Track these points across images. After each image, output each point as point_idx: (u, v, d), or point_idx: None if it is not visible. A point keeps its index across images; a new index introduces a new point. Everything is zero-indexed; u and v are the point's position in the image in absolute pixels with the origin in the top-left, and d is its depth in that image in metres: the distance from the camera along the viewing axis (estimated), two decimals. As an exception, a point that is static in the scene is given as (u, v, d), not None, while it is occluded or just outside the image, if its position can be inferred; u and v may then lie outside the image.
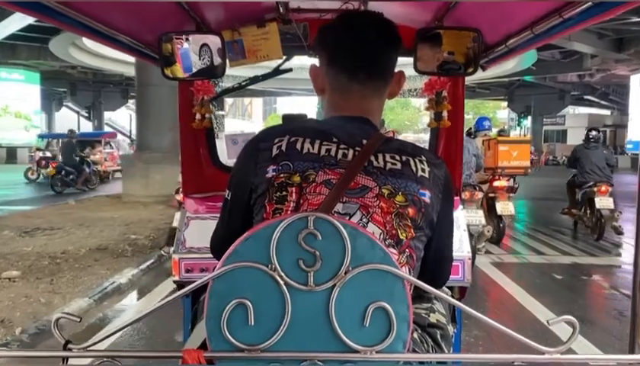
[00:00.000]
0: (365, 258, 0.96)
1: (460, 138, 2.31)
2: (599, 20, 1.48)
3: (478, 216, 6.61)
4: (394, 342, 0.95)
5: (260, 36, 2.03)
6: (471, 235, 5.98)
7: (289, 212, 1.11)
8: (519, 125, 37.49)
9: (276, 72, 2.28)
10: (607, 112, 44.42)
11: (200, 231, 2.10)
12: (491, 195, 7.75)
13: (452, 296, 2.04)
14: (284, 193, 1.16)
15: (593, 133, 8.98)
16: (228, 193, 1.31)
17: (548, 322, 0.99)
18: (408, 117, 52.69)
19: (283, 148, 1.20)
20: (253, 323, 0.95)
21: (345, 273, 0.95)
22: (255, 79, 2.43)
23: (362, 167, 1.17)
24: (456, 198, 2.20)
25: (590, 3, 1.36)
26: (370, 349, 0.93)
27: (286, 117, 2.30)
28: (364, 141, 1.21)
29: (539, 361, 0.92)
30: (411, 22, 2.04)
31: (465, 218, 4.31)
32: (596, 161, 8.57)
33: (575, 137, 40.10)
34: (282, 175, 1.17)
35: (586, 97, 38.01)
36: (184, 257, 2.10)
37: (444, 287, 1.96)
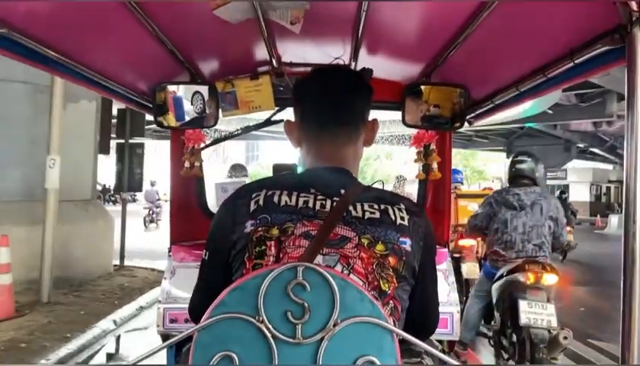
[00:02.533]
0: (354, 310, 0.95)
1: (448, 190, 2.33)
2: (581, 79, 1.53)
3: (546, 314, 3.67)
4: None
5: (253, 88, 2.07)
6: (532, 343, 3.63)
7: (268, 266, 1.09)
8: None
9: (268, 122, 2.31)
10: (609, 167, 42.27)
11: (186, 280, 2.07)
12: (455, 256, 5.72)
13: (443, 350, 2.00)
14: (263, 247, 1.13)
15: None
16: (205, 253, 1.28)
17: None
18: (393, 166, 52.68)
19: (261, 202, 1.18)
20: None
21: (334, 325, 0.93)
22: (248, 129, 2.46)
23: (340, 217, 1.15)
24: (444, 250, 2.20)
25: (571, 64, 1.40)
26: None
27: (277, 167, 2.31)
28: (342, 191, 1.19)
29: None
30: (400, 78, 2.09)
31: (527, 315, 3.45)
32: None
33: (578, 193, 38.53)
34: (260, 229, 1.15)
35: (592, 149, 35.23)
36: (168, 307, 2.06)
37: (434, 341, 1.94)
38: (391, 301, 1.12)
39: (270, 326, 0.93)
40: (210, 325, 0.94)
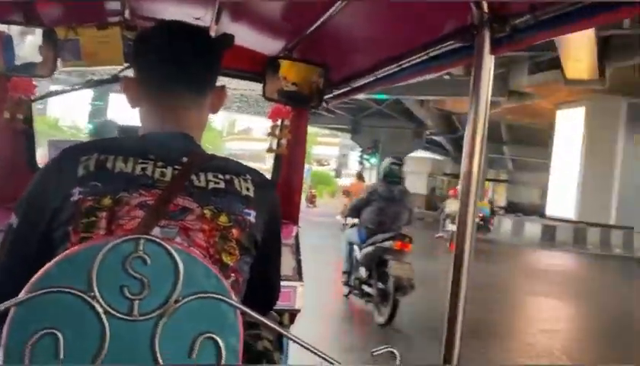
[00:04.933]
0: (197, 285, 0.90)
1: (301, 168, 2.35)
2: (435, 72, 1.63)
3: (407, 269, 5.61)
4: None
5: (101, 39, 1.87)
6: (396, 289, 5.50)
7: (102, 238, 0.98)
8: (361, 163, 29.79)
9: (115, 79, 2.10)
10: (445, 158, 38.61)
11: None
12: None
13: (282, 323, 2.03)
14: (92, 219, 1.01)
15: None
16: (15, 220, 1.10)
17: (372, 353, 1.00)
18: (208, 139, 50.47)
19: (92, 167, 1.06)
20: (64, 357, 0.82)
21: (175, 302, 0.87)
22: (90, 84, 2.23)
23: (181, 187, 1.07)
24: (293, 226, 2.22)
25: (425, 56, 1.46)
26: None
27: (123, 130, 2.13)
28: (184, 159, 1.11)
29: None
30: (263, 48, 2.05)
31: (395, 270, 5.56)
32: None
33: (414, 185, 34.84)
34: (89, 199, 1.03)
35: (435, 138, 32.43)
36: None
37: (273, 313, 1.95)
38: (233, 274, 1.08)
39: (102, 302, 0.85)
40: (32, 301, 0.83)
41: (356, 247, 6.29)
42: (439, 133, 30.48)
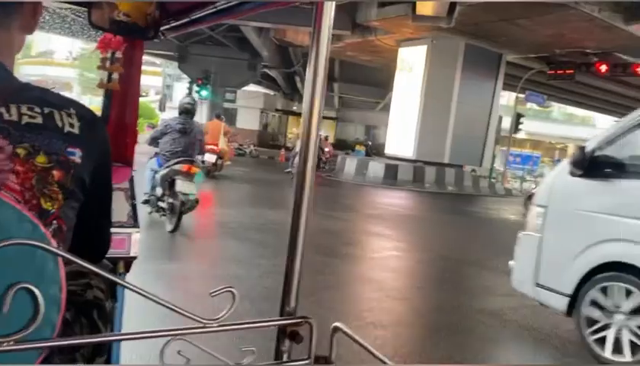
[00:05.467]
0: (9, 232, 0.82)
1: (136, 106, 2.20)
2: (281, 5, 1.59)
3: (191, 187, 7.27)
4: (40, 328, 0.82)
5: None
6: (182, 203, 7.11)
7: None
8: (189, 95, 26.67)
9: None
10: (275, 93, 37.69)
11: None
12: None
13: (115, 270, 1.93)
14: None
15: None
16: None
17: (210, 294, 0.99)
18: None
19: None
20: None
21: None
22: None
23: None
24: (127, 168, 2.09)
25: None
26: (7, 340, 0.78)
27: None
28: None
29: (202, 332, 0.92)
30: None
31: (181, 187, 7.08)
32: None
33: (246, 121, 34.55)
34: None
35: (269, 72, 30.49)
36: None
37: (104, 261, 1.85)
38: (55, 221, 0.99)
39: None
40: None
41: (156, 173, 7.52)
42: (274, 67, 29.01)
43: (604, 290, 4.24)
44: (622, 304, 4.12)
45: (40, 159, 0.96)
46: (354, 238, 9.46)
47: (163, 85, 40.79)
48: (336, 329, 1.10)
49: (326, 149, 23.16)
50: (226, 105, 30.63)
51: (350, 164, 21.34)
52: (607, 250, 4.24)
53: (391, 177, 19.65)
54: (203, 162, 13.76)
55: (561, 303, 4.47)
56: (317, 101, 1.22)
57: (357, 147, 29.57)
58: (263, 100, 36.64)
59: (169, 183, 7.22)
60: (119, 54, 2.03)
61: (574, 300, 4.39)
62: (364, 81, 31.16)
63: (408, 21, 17.31)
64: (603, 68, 17.97)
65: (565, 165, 4.66)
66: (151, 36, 1.94)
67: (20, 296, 0.80)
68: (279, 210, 10.65)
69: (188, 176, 7.20)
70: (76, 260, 0.84)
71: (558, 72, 21.17)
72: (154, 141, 7.45)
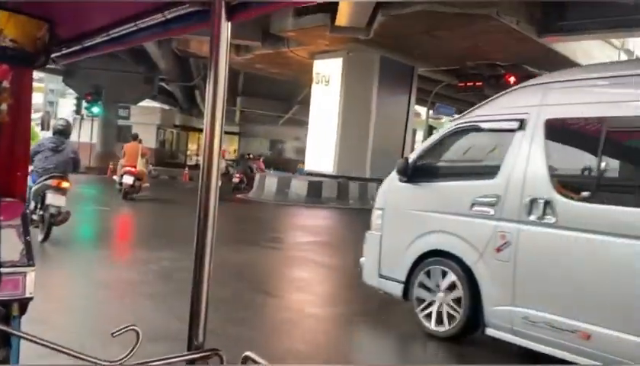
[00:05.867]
0: None
1: (27, 137, 2.10)
2: (173, 34, 1.58)
3: (60, 201, 8.11)
4: None
5: None
6: (51, 215, 8.00)
7: None
8: (78, 113, 25.32)
9: None
10: (173, 108, 36.07)
11: None
12: None
13: (9, 314, 1.81)
14: None
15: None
16: None
17: (112, 334, 0.94)
18: None
19: None
20: None
21: None
22: None
23: None
24: (19, 203, 1.97)
25: (162, 18, 1.42)
26: None
27: None
28: None
29: None
30: None
31: (51, 200, 7.94)
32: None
33: (145, 137, 32.77)
34: None
35: (166, 86, 29.39)
36: None
37: None
38: None
39: None
40: None
41: (30, 188, 7.90)
42: (172, 81, 27.65)
43: (428, 274, 5.30)
44: (440, 283, 5.18)
45: None
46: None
47: (45, 102, 38.11)
48: (246, 359, 1.09)
49: (254, 167, 23.04)
50: (120, 122, 29.51)
51: (270, 182, 20.12)
52: (428, 241, 5.33)
53: (314, 195, 19.03)
54: (120, 183, 14.98)
55: (398, 289, 5.50)
56: (218, 115, 1.24)
57: (300, 165, 27.65)
58: (160, 116, 34.86)
59: (41, 197, 8.04)
60: (6, 83, 1.92)
61: (408, 285, 5.42)
62: (267, 95, 30.39)
63: (325, 32, 17.33)
64: (512, 79, 18.81)
65: (394, 173, 5.71)
66: (40, 64, 1.85)
67: None
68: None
69: (58, 190, 8.06)
70: None
71: (468, 84, 21.88)
72: (32, 157, 8.09)
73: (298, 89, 27.20)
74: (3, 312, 1.78)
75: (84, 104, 24.43)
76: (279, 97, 31.00)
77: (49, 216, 7.97)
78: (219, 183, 1.29)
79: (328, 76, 21.30)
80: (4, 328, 0.90)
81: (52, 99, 38.16)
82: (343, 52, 20.12)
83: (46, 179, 8.00)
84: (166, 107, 35.40)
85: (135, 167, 14.92)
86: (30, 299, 1.88)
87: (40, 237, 7.97)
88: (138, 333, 0.98)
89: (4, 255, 1.29)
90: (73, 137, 12.21)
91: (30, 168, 7.74)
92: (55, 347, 0.85)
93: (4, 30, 1.75)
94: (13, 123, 2.00)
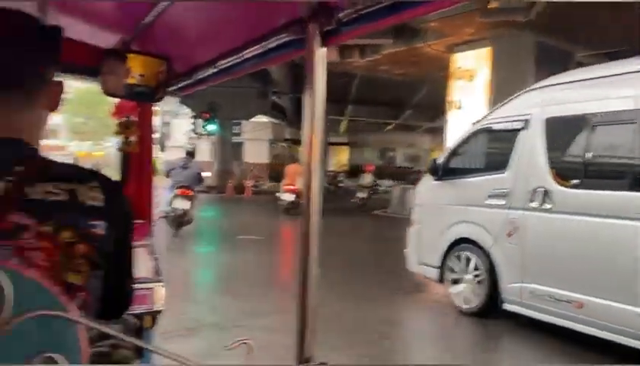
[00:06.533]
0: (30, 305, 0.89)
1: (149, 164, 2.36)
2: (273, 63, 1.68)
3: (187, 205, 11.44)
4: None
5: None
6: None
7: None
8: (195, 132, 24.62)
9: None
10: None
11: None
12: None
13: (142, 326, 2.00)
14: None
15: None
16: None
17: (225, 348, 1.00)
18: None
19: None
20: None
21: (6, 323, 0.86)
22: None
23: (15, 201, 1.00)
24: (147, 224, 2.18)
25: (262, 49, 1.51)
26: None
27: None
28: (18, 168, 1.03)
29: None
30: (98, 41, 1.96)
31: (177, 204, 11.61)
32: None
33: (254, 153, 31.76)
34: None
35: (277, 100, 27.69)
36: None
37: (128, 318, 1.92)
38: (82, 293, 1.04)
39: None
40: None
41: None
42: (284, 93, 26.40)
43: (458, 259, 6.41)
44: (467, 267, 6.27)
45: (65, 235, 1.02)
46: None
47: (161, 124, 39.67)
48: None
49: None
50: (233, 139, 29.54)
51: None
52: (456, 230, 6.41)
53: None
54: (282, 200, 17.42)
55: (435, 273, 6.69)
56: (317, 126, 1.28)
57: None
58: (271, 130, 33.38)
59: (172, 202, 11.38)
60: (134, 118, 2.15)
61: (442, 269, 6.56)
62: (377, 102, 28.22)
63: (473, 18, 14.54)
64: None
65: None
66: (159, 98, 2.04)
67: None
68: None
69: (184, 197, 11.36)
70: (97, 327, 0.91)
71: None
72: (168, 174, 11.85)
73: (410, 93, 26.05)
74: (137, 324, 1.98)
75: (200, 122, 23.88)
76: (389, 102, 29.71)
77: (176, 217, 11.24)
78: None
79: (472, 70, 17.72)
80: (134, 340, 1.01)
81: (167, 120, 40.64)
82: (490, 40, 16.70)
83: (176, 189, 11.37)
84: (276, 121, 33.41)
85: (294, 186, 16.88)
86: (160, 312, 2.08)
87: (173, 232, 11.21)
88: (251, 346, 1.02)
89: (137, 271, 1.43)
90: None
91: (169, 181, 11.47)
92: (177, 358, 0.92)
93: (130, 70, 1.96)
94: (139, 152, 2.28)
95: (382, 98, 27.98)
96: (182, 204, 11.26)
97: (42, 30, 1.16)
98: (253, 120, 29.98)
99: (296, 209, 16.34)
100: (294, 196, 16.62)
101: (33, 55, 1.12)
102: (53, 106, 1.18)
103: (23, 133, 1.10)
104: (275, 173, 28.88)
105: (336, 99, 25.62)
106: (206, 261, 10.37)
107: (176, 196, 11.26)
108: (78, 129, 46.19)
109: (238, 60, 1.69)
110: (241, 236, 12.22)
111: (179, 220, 11.30)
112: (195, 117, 24.40)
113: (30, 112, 1.12)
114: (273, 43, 1.48)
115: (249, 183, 26.12)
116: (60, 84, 1.19)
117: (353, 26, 1.28)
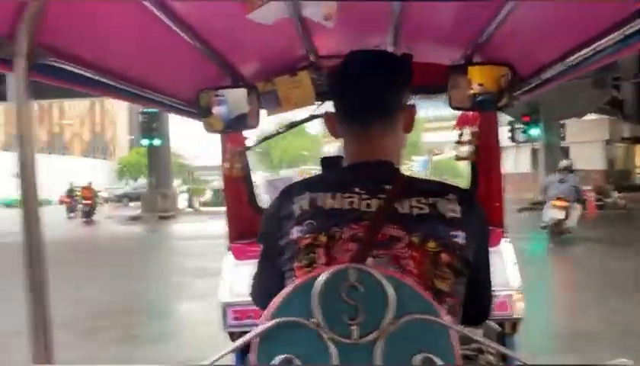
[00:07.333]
0: (408, 308, 0.99)
1: (499, 172, 2.37)
2: (632, 52, 1.50)
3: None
4: None
5: (293, 85, 2.13)
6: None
7: (319, 270, 1.12)
8: (512, 139, 21.12)
9: (311, 117, 2.36)
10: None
11: (248, 277, 2.14)
12: None
13: (503, 332, 2.02)
14: (312, 255, 1.16)
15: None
16: (261, 247, 1.35)
17: None
18: (305, 146, 46.41)
19: (306, 206, 1.21)
20: None
21: (390, 324, 0.98)
22: (292, 125, 2.52)
23: (387, 217, 1.15)
24: (499, 230, 2.20)
25: (621, 36, 1.37)
26: None
27: (325, 161, 2.34)
28: (387, 187, 1.19)
29: None
30: (442, 60, 2.10)
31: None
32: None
33: (585, 158, 23.28)
34: (307, 236, 1.17)
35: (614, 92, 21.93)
36: (231, 303, 2.13)
37: (492, 325, 1.94)
38: (449, 299, 1.14)
39: (325, 329, 0.99)
40: (269, 330, 1.01)
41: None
42: (626, 78, 20.75)
43: None
44: None
45: (431, 245, 1.13)
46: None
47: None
48: None
49: None
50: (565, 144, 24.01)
51: None
52: None
53: None
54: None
55: None
56: None
57: None
58: (607, 128, 27.48)
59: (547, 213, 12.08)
60: (475, 128, 2.22)
61: None
62: None
63: None
64: None
65: None
66: (504, 104, 2.04)
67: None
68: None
69: (559, 208, 11.54)
70: (466, 333, 0.97)
71: None
72: (545, 190, 12.61)
73: None
74: (499, 329, 2.00)
75: (519, 126, 20.67)
76: None
77: (552, 226, 11.62)
78: None
79: None
80: (500, 347, 1.03)
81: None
82: None
83: (550, 200, 11.84)
84: (609, 117, 27.63)
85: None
86: (520, 319, 2.06)
87: (551, 245, 11.54)
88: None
89: (492, 278, 1.46)
90: (509, 167, 13.53)
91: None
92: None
93: (473, 81, 2.03)
94: (485, 160, 2.35)
95: None
96: (554, 214, 11.46)
97: (398, 61, 1.34)
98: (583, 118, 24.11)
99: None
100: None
101: (393, 85, 1.27)
102: (409, 128, 1.33)
103: (388, 155, 1.26)
104: (610, 182, 24.07)
105: None
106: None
107: (553, 206, 11.48)
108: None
109: (590, 53, 1.55)
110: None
111: (553, 229, 11.55)
112: (512, 123, 21.19)
113: (393, 136, 1.28)
114: (632, 28, 1.30)
115: (590, 196, 18.11)
116: (413, 106, 1.33)
117: None
